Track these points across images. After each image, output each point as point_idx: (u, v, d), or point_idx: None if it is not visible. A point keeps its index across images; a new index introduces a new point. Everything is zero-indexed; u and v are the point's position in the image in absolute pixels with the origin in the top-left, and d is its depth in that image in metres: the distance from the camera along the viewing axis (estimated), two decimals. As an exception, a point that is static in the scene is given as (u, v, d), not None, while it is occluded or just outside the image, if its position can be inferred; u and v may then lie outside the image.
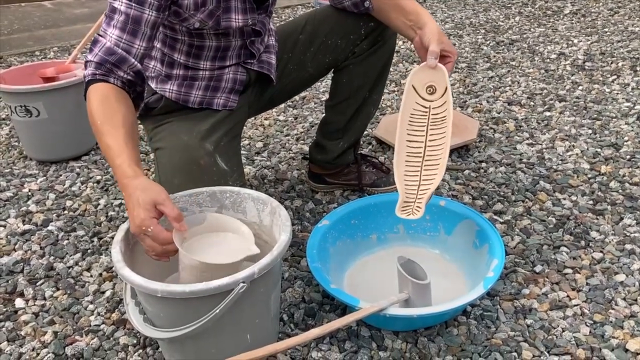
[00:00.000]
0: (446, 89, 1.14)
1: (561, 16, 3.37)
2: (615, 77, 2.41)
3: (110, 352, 1.13)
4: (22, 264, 1.40)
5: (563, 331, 1.13)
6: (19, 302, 1.28)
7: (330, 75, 1.51)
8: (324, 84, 2.45)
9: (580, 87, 2.33)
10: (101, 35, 1.07)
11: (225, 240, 1.07)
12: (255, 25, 1.25)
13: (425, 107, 1.16)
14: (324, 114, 1.59)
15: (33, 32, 3.59)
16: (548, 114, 2.11)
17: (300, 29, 1.43)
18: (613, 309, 1.19)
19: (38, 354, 1.14)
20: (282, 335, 1.15)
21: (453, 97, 2.31)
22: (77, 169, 1.86)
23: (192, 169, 1.16)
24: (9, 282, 1.34)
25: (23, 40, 3.40)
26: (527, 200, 1.58)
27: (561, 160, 1.78)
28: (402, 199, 1.12)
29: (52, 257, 1.42)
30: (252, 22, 1.23)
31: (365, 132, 1.91)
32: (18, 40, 3.41)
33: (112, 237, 1.42)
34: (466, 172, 1.73)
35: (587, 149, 1.84)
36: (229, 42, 1.26)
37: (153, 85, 1.28)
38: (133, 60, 1.07)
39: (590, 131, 1.96)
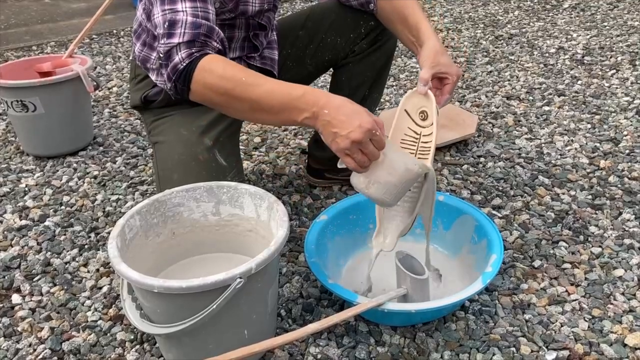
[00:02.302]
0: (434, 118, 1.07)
1: (560, 10, 3.36)
2: (614, 71, 2.40)
3: (107, 347, 1.13)
4: (18, 259, 1.40)
5: (561, 326, 1.13)
6: (15, 298, 1.27)
7: (330, 71, 1.51)
8: (323, 79, 2.44)
9: (579, 82, 2.32)
10: (173, 14, 0.98)
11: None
12: (262, 18, 1.25)
13: (417, 134, 1.09)
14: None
15: (30, 26, 3.58)
16: (547, 108, 2.10)
17: (301, 24, 1.42)
18: (612, 303, 1.18)
19: (35, 350, 1.13)
20: (279, 331, 1.15)
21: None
22: (74, 164, 1.85)
23: (191, 164, 1.16)
24: (6, 277, 1.33)
25: (20, 34, 3.39)
26: (525, 195, 1.58)
27: (560, 155, 1.78)
28: (378, 230, 1.13)
29: (49, 253, 1.42)
30: (268, 6, 1.21)
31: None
32: (15, 34, 3.39)
33: (109, 233, 1.41)
34: (465, 166, 1.73)
35: (586, 143, 1.84)
36: (233, 34, 1.25)
37: (154, 77, 1.27)
38: (217, 28, 1.00)
39: (589, 126, 1.95)
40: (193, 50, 0.97)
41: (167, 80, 1.00)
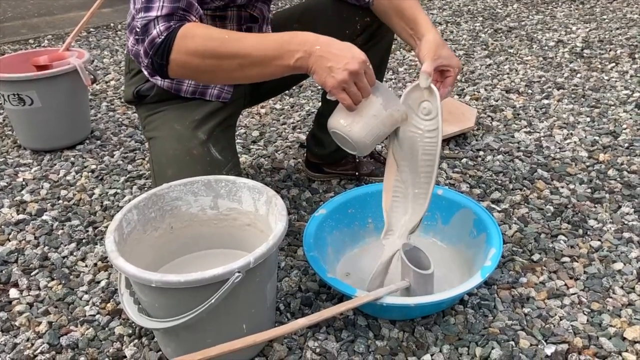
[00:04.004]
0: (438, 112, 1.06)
1: (559, 3, 3.35)
2: (613, 64, 2.40)
3: (105, 342, 1.12)
4: (16, 253, 1.39)
5: (560, 320, 1.13)
6: (13, 293, 1.27)
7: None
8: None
9: (578, 75, 2.31)
10: None
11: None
12: (254, 10, 1.23)
13: (420, 130, 1.07)
14: (320, 103, 1.57)
15: (27, 20, 3.56)
16: (546, 101, 2.09)
17: (296, 19, 1.40)
18: (611, 297, 1.18)
19: (33, 345, 1.13)
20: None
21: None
22: (72, 158, 1.85)
23: (185, 159, 1.15)
24: (3, 272, 1.33)
25: (16, 28, 3.37)
26: (524, 188, 1.57)
27: (559, 148, 1.77)
28: (387, 228, 1.13)
29: (46, 247, 1.41)
30: None
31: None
32: (11, 28, 3.37)
33: (107, 227, 1.41)
34: (464, 160, 1.73)
35: (585, 137, 1.83)
36: (224, 25, 1.24)
37: (146, 72, 1.26)
38: (196, 4, 0.99)
39: (588, 119, 1.95)
40: (171, 24, 0.95)
41: (144, 55, 0.97)
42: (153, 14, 0.95)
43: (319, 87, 2.32)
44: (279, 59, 0.93)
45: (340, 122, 0.99)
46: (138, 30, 0.97)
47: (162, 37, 0.95)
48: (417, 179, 1.09)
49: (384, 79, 2.31)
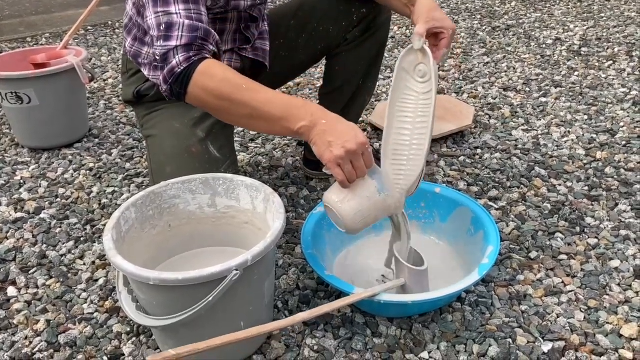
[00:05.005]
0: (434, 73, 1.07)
1: (557, 1, 3.35)
2: (611, 62, 2.40)
3: (103, 340, 1.13)
4: (14, 252, 1.39)
5: (558, 317, 1.13)
6: (11, 291, 1.27)
7: (324, 61, 1.50)
8: (319, 70, 2.43)
9: (576, 73, 2.32)
10: (167, 17, 0.98)
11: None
12: (254, 11, 1.24)
13: (416, 92, 1.08)
14: (318, 101, 1.57)
15: (24, 18, 3.55)
16: (544, 99, 2.10)
17: (292, 14, 1.41)
18: (608, 294, 1.19)
19: (31, 343, 1.13)
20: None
21: (449, 83, 2.29)
22: (70, 157, 1.84)
23: (184, 157, 1.15)
24: (1, 270, 1.33)
25: (14, 26, 3.36)
26: (522, 186, 1.58)
27: (557, 146, 1.78)
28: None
29: (44, 245, 1.41)
30: (260, 0, 1.21)
31: (360, 119, 1.89)
32: (9, 26, 3.36)
33: (105, 225, 1.41)
34: (461, 158, 1.73)
35: (583, 135, 1.84)
36: (224, 27, 1.24)
37: (146, 72, 1.26)
38: (213, 31, 1.00)
39: (585, 117, 1.95)
40: (191, 54, 0.97)
41: (163, 82, 0.99)
42: (173, 43, 0.97)
43: (317, 85, 2.32)
44: (284, 121, 0.95)
45: (332, 198, 1.00)
46: (158, 58, 0.99)
47: (182, 67, 0.96)
48: (414, 141, 1.09)
49: (380, 76, 2.32)
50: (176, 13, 0.98)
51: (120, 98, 2.26)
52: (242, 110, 0.97)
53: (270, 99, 0.96)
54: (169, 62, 0.97)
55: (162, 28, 0.98)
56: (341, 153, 0.92)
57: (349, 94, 1.47)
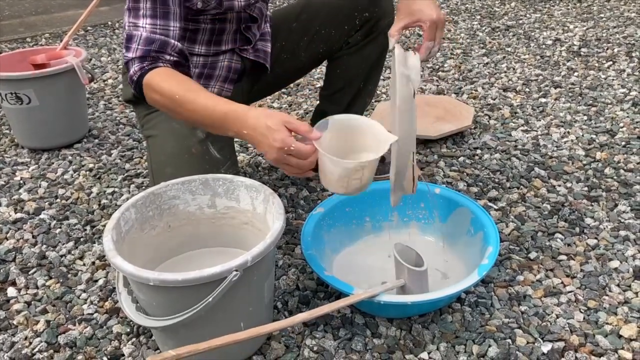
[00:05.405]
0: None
1: (557, 1, 3.35)
2: (610, 63, 2.40)
3: (103, 340, 1.13)
4: (14, 252, 1.39)
5: (557, 318, 1.14)
6: (11, 291, 1.27)
7: (325, 62, 1.50)
8: (319, 71, 2.43)
9: (575, 74, 2.32)
10: (132, 29, 1.05)
11: (353, 138, 1.05)
12: (253, 10, 1.24)
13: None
14: (318, 102, 1.57)
15: (24, 18, 3.55)
16: (543, 100, 2.10)
17: (295, 17, 1.41)
18: (607, 295, 1.19)
19: (31, 343, 1.13)
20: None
21: (448, 83, 2.29)
22: (70, 157, 1.84)
23: (184, 157, 1.15)
24: (1, 271, 1.33)
25: (14, 26, 3.36)
26: (521, 187, 1.58)
27: (556, 146, 1.78)
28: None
29: (44, 246, 1.41)
30: (255, 0, 1.21)
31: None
32: (9, 26, 3.36)
33: (105, 226, 1.41)
34: (461, 159, 1.73)
35: (582, 135, 1.84)
36: (224, 26, 1.24)
37: None
38: (173, 41, 1.05)
39: (585, 117, 1.95)
40: (144, 65, 1.04)
41: (130, 85, 1.08)
42: (130, 55, 1.05)
43: (317, 86, 2.32)
44: (216, 129, 1.01)
45: (321, 180, 1.02)
46: (123, 66, 1.06)
47: (136, 77, 1.05)
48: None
49: (382, 77, 2.32)
50: (142, 27, 1.04)
51: (120, 98, 2.26)
52: (181, 118, 1.04)
53: (204, 108, 0.99)
54: (128, 70, 1.06)
55: (125, 39, 1.06)
56: (270, 161, 0.95)
57: (350, 96, 1.47)
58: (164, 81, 1.02)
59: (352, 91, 1.46)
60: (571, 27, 2.89)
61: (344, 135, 1.04)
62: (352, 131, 1.05)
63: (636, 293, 1.19)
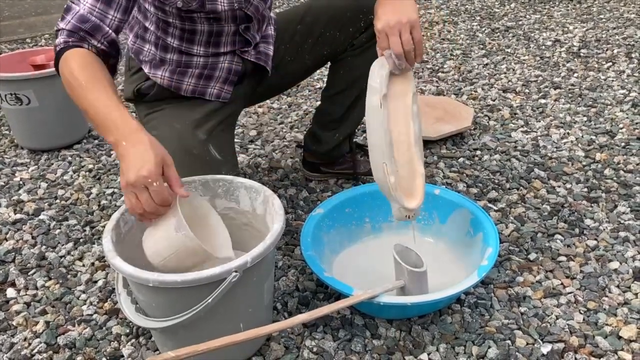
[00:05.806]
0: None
1: (557, 2, 3.35)
2: (610, 64, 2.40)
3: (102, 341, 1.13)
4: (13, 253, 1.39)
5: (557, 319, 1.13)
6: (10, 292, 1.27)
7: (327, 65, 1.50)
8: (319, 71, 2.43)
9: (575, 75, 2.32)
10: (74, 3, 1.04)
11: (205, 230, 1.05)
12: (247, 9, 1.23)
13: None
14: (319, 102, 1.57)
15: (24, 19, 3.55)
16: (543, 101, 2.10)
17: (299, 19, 1.40)
18: (607, 296, 1.19)
19: (30, 344, 1.13)
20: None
21: (448, 84, 2.30)
22: (69, 158, 1.84)
23: (185, 158, 1.15)
24: (1, 271, 1.33)
25: (14, 27, 3.36)
26: (521, 188, 1.58)
27: (556, 147, 1.78)
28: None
29: (44, 247, 1.41)
30: (239, 5, 1.20)
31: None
32: (8, 27, 3.37)
33: (104, 226, 1.41)
34: (461, 159, 1.73)
35: (582, 136, 1.84)
36: (222, 27, 1.24)
37: (146, 70, 1.26)
38: (107, 29, 1.04)
39: (585, 118, 1.95)
40: (70, 40, 1.03)
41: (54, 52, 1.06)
42: (61, 25, 1.05)
43: (317, 87, 2.32)
44: (100, 129, 0.97)
45: (145, 239, 0.97)
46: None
47: (59, 48, 1.03)
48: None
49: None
50: (83, 4, 1.03)
51: (122, 97, 2.26)
52: (78, 103, 1.00)
53: (95, 105, 0.96)
54: (56, 39, 1.05)
55: (64, 8, 1.05)
56: (123, 184, 0.90)
57: (352, 97, 1.47)
58: (77, 63, 1.00)
59: (354, 93, 1.46)
60: (571, 28, 2.89)
61: (202, 220, 1.04)
62: (209, 224, 1.05)
63: (636, 294, 1.19)
